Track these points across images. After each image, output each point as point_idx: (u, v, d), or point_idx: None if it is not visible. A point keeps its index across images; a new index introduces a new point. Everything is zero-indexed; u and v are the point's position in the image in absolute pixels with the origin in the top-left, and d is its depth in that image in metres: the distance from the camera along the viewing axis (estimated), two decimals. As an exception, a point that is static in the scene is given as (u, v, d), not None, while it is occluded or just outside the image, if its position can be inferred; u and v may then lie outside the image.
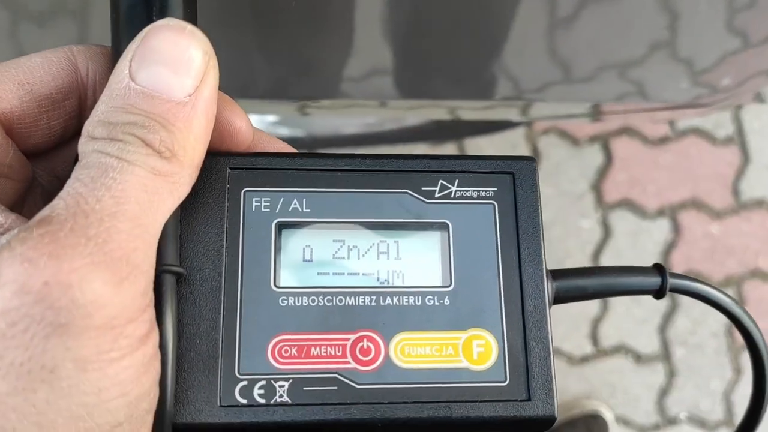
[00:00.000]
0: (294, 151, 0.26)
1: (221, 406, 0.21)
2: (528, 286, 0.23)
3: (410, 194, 0.24)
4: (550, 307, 0.24)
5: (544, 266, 0.24)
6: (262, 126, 0.88)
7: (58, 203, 0.19)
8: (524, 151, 1.31)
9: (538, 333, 0.23)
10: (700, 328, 1.45)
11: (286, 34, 0.42)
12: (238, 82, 0.50)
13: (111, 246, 0.19)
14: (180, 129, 0.21)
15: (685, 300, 1.43)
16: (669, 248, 1.44)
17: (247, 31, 0.42)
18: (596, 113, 0.65)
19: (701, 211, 1.49)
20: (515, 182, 0.24)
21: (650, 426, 1.38)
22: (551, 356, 0.23)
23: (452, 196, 0.24)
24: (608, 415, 1.40)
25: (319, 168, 0.24)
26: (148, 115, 0.20)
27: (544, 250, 0.24)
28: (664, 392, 1.40)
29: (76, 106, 0.24)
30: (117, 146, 0.20)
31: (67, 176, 0.21)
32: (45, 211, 0.19)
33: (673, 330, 1.41)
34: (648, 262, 0.26)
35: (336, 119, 0.90)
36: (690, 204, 1.48)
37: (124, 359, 0.19)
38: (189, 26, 0.21)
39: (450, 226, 0.23)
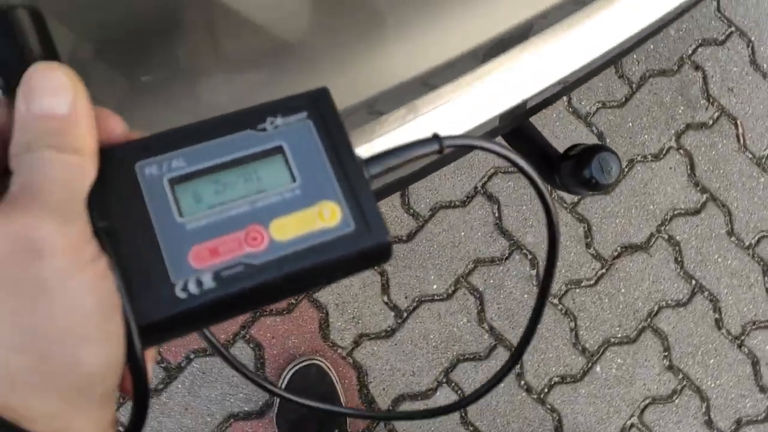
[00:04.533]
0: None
1: (173, 301, 0.29)
2: (347, 164, 0.33)
3: (251, 131, 0.33)
4: (367, 173, 0.33)
5: (352, 150, 0.33)
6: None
7: (11, 190, 0.27)
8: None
9: (364, 191, 0.32)
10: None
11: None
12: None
13: (53, 205, 0.27)
14: (73, 132, 0.29)
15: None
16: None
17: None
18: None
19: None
20: (318, 104, 0.34)
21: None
22: (374, 200, 0.32)
23: (279, 125, 0.33)
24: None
25: (184, 134, 0.33)
26: (48, 130, 0.28)
27: (350, 140, 0.33)
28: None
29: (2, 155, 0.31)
30: (35, 155, 0.28)
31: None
32: (5, 198, 0.27)
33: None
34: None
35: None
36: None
37: (87, 270, 0.27)
38: (55, 62, 0.30)
39: (284, 144, 0.33)
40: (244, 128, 0.33)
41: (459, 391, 1.45)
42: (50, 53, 0.31)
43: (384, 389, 1.44)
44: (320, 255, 0.31)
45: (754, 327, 1.55)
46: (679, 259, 1.56)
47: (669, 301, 1.54)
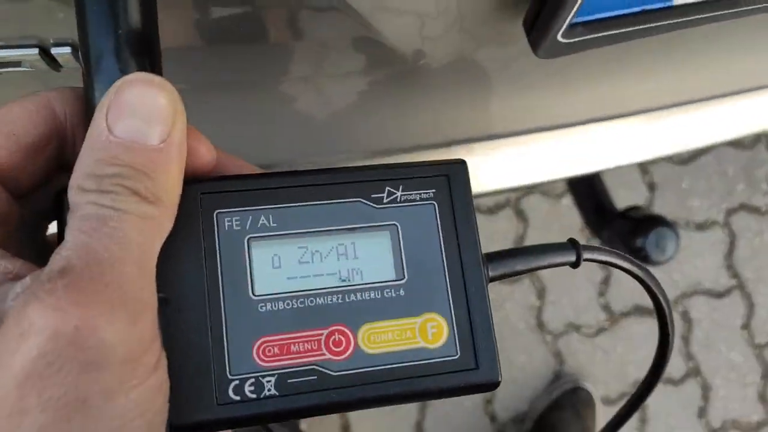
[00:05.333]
0: (254, 168, 0.28)
1: (218, 404, 0.24)
2: (469, 271, 0.27)
3: (362, 202, 0.26)
4: (487, 286, 0.27)
5: (480, 253, 0.27)
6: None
7: (71, 254, 0.21)
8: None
9: (480, 310, 0.27)
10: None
11: None
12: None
13: (124, 289, 0.21)
14: (160, 174, 0.23)
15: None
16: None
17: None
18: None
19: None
20: (450, 183, 0.27)
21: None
22: (492, 329, 0.27)
23: (398, 200, 0.27)
24: (587, 385, 1.39)
25: (281, 186, 0.26)
26: (130, 166, 0.22)
27: (479, 239, 0.27)
28: None
29: (56, 149, 0.26)
30: (110, 197, 0.22)
31: (47, 211, 0.26)
32: (61, 262, 0.21)
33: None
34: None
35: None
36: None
37: (142, 385, 0.22)
38: (156, 78, 0.23)
39: (398, 226, 0.26)
40: (356, 197, 0.27)
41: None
42: (151, 50, 0.25)
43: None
44: (410, 384, 0.25)
45: (733, 427, 1.49)
46: (686, 336, 1.50)
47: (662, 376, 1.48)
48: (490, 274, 0.28)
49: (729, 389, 1.50)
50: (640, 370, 1.47)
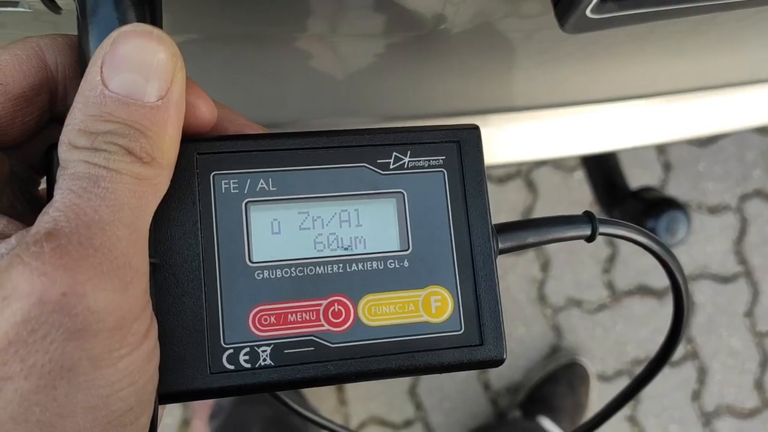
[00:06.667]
0: (257, 128, 0.27)
1: (211, 373, 0.23)
2: (477, 244, 0.25)
3: (367, 167, 0.25)
4: (496, 260, 0.26)
5: (490, 225, 0.26)
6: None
7: (59, 216, 0.20)
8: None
9: (487, 285, 0.25)
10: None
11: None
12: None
13: (115, 254, 0.20)
14: (157, 133, 0.22)
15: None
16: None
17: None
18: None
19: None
20: (461, 150, 0.26)
21: None
22: (500, 304, 0.25)
23: (405, 166, 0.25)
24: (584, 361, 1.40)
25: (282, 148, 0.25)
26: (126, 122, 0.21)
27: (490, 210, 0.26)
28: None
29: (47, 100, 0.24)
30: (102, 156, 0.21)
31: (38, 164, 0.25)
32: (48, 224, 0.20)
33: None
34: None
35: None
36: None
37: (132, 354, 0.21)
38: (155, 30, 0.22)
39: (405, 194, 0.25)
40: (361, 162, 0.25)
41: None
42: (153, 9, 0.23)
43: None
44: (411, 358, 0.24)
45: (727, 412, 1.50)
46: (687, 320, 1.49)
47: (658, 356, 1.48)
48: (500, 246, 0.26)
49: (726, 374, 1.50)
50: (638, 349, 1.47)
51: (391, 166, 0.25)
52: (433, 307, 0.25)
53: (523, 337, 1.43)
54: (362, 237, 0.25)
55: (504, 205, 1.43)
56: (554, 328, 1.44)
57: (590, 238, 0.29)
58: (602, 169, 1.04)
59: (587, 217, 0.29)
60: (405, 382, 1.40)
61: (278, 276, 0.24)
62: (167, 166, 0.22)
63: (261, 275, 0.24)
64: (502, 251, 0.27)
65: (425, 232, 0.25)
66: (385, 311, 0.25)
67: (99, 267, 0.20)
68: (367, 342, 0.24)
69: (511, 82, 0.52)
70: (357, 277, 0.25)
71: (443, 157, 0.26)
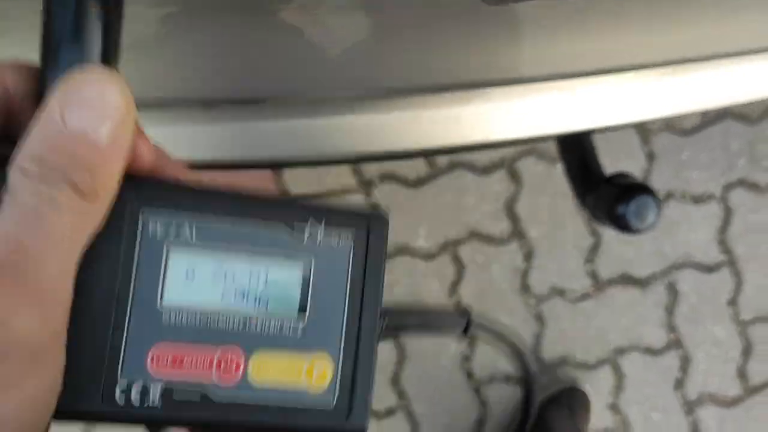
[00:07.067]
0: (192, 173, 0.28)
1: (102, 401, 0.25)
2: (366, 321, 0.28)
3: (285, 228, 0.27)
4: (378, 339, 0.28)
5: (380, 306, 0.28)
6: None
7: (4, 227, 0.21)
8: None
9: (366, 362, 0.28)
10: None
11: None
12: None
13: (44, 286, 0.21)
14: (103, 172, 0.23)
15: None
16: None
17: None
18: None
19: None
20: (369, 235, 0.28)
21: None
22: (372, 383, 0.28)
23: (318, 236, 0.27)
24: (587, 388, 1.41)
25: (210, 198, 0.27)
26: (76, 159, 0.22)
27: (383, 293, 0.28)
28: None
29: (1, 123, 0.25)
30: (49, 188, 0.22)
31: None
32: None
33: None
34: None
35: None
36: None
37: (39, 382, 0.22)
38: (114, 74, 0.23)
39: (312, 261, 0.27)
40: (279, 220, 0.27)
41: (399, 347, 1.41)
42: (114, 34, 0.25)
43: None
44: (285, 419, 0.27)
45: (710, 400, 1.51)
46: (671, 308, 1.49)
47: (641, 345, 1.49)
48: (383, 328, 0.29)
49: (709, 363, 1.51)
50: (620, 338, 1.48)
51: (306, 233, 0.27)
52: (315, 373, 0.27)
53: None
54: (266, 296, 0.27)
55: (489, 195, 1.43)
56: (537, 317, 1.45)
57: (464, 334, 0.33)
58: (577, 157, 1.04)
59: (464, 319, 0.33)
60: (387, 370, 1.40)
61: (182, 320, 0.26)
62: (106, 203, 0.24)
63: (167, 317, 0.25)
64: (386, 334, 0.30)
65: (323, 301, 0.27)
66: (273, 371, 0.26)
67: (25, 297, 0.21)
68: (248, 401, 0.26)
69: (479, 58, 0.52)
70: (254, 333, 0.26)
71: (353, 237, 0.28)
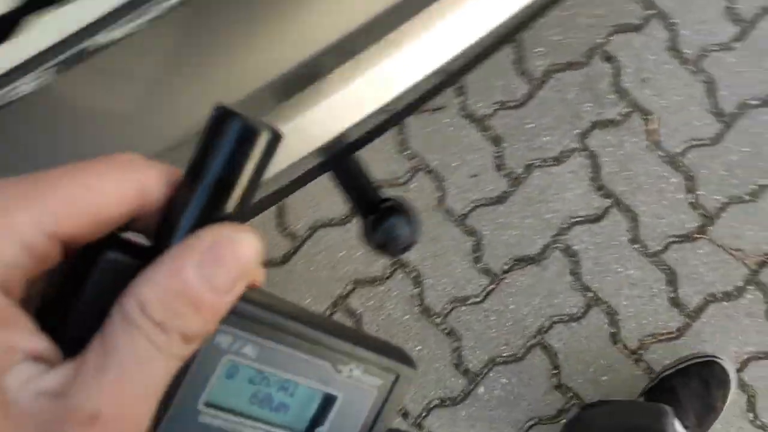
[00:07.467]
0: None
1: None
2: None
3: (330, 367, 0.29)
4: None
5: None
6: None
7: (104, 403, 0.21)
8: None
9: None
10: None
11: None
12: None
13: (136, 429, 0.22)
14: (214, 320, 0.23)
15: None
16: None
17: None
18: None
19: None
20: (395, 382, 0.30)
21: None
22: None
23: (352, 376, 0.29)
24: (727, 363, 1.38)
25: (277, 322, 0.27)
26: (194, 311, 0.22)
27: None
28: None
29: (127, 218, 0.24)
30: (163, 337, 0.21)
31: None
32: (91, 406, 0.21)
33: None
34: None
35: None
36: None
37: None
38: (252, 235, 0.23)
39: (339, 396, 0.29)
40: (325, 359, 0.28)
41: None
42: (247, 200, 0.25)
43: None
44: None
45: (653, 340, 1.48)
46: (576, 270, 1.49)
47: (562, 316, 1.48)
48: None
49: (636, 306, 1.49)
50: (539, 319, 1.47)
51: (344, 372, 0.29)
52: None
53: (423, 354, 1.45)
54: (288, 405, 0.28)
55: (355, 241, 1.46)
56: (449, 333, 1.46)
57: None
58: (354, 191, 1.05)
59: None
60: None
61: (216, 424, 0.27)
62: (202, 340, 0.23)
63: (204, 417, 0.27)
64: None
65: (337, 428, 0.29)
66: None
67: None
68: None
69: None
70: None
71: (381, 382, 0.30)
